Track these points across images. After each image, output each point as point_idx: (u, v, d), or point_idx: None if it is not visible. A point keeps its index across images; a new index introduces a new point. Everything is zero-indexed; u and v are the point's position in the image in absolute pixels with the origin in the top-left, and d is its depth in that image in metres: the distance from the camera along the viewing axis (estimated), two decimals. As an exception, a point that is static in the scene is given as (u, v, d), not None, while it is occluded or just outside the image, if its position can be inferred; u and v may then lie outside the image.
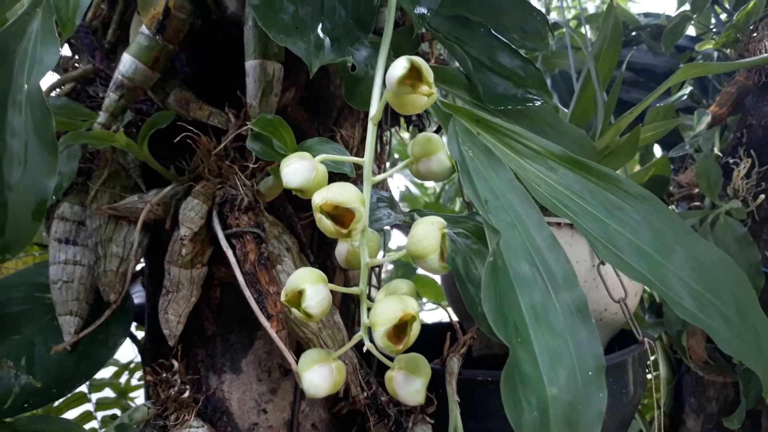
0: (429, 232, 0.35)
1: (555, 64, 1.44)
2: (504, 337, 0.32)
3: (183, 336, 0.52)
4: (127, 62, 0.50)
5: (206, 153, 0.50)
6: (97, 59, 0.56)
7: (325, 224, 0.34)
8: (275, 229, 0.52)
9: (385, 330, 0.32)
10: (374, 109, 0.37)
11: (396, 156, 1.76)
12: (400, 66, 0.33)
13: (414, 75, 0.34)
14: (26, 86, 0.37)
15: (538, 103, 0.48)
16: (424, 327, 0.83)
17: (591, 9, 2.26)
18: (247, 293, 0.47)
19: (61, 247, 0.54)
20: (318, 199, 0.33)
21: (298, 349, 0.53)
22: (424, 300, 1.64)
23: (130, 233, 0.52)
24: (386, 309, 0.33)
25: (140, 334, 0.73)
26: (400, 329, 0.34)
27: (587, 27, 1.49)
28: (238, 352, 0.55)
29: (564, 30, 1.48)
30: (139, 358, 0.73)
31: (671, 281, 0.39)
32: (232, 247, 0.49)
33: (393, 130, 0.75)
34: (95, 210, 0.53)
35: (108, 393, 1.01)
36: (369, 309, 0.36)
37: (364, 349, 0.36)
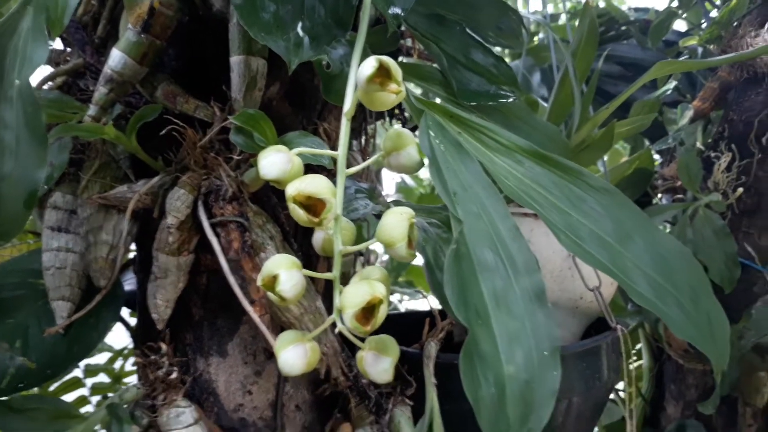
0: (397, 221, 0.37)
1: (545, 58, 1.45)
2: (464, 318, 0.34)
3: (171, 320, 0.55)
4: (116, 57, 0.52)
5: (192, 145, 0.52)
6: (87, 54, 0.58)
7: (297, 213, 0.36)
8: (259, 218, 0.54)
9: (354, 312, 0.35)
10: (347, 104, 0.40)
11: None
12: (369, 65, 0.35)
13: (383, 73, 0.36)
14: (17, 82, 0.39)
15: (510, 99, 0.50)
16: (413, 315, 0.86)
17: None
18: (231, 280, 0.50)
19: (54, 235, 0.56)
20: (291, 190, 0.36)
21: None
22: (419, 288, 1.67)
23: (119, 222, 0.55)
24: (355, 292, 0.35)
25: (133, 321, 0.75)
26: (369, 312, 0.36)
27: (568, 21, 1.50)
28: (225, 336, 0.57)
29: (558, 23, 1.49)
30: (132, 345, 0.75)
31: (629, 269, 0.41)
32: (217, 235, 0.51)
33: (378, 123, 0.77)
34: (86, 199, 0.55)
35: (103, 378, 1.04)
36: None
37: (336, 330, 0.38)
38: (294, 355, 0.38)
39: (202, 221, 0.51)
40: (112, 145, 0.56)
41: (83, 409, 0.98)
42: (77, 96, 0.57)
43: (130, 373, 1.06)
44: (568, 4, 1.81)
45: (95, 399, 1.00)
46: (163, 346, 0.54)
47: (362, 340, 0.39)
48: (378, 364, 0.38)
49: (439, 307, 0.75)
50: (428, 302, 0.66)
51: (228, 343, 0.57)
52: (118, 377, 1.04)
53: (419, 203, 1.83)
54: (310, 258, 0.61)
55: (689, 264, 0.43)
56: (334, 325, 0.39)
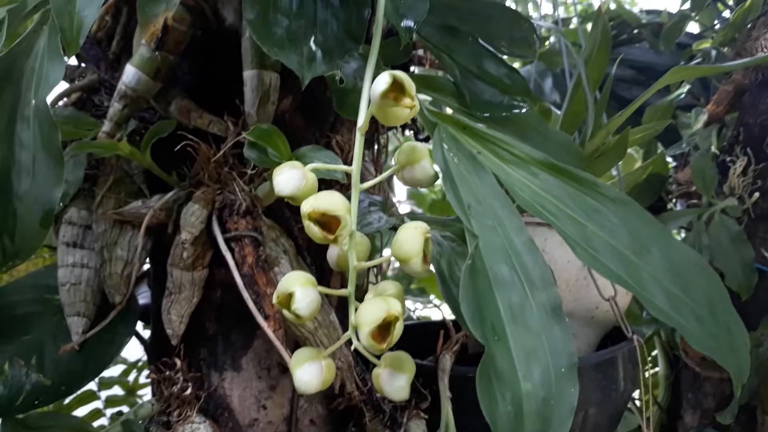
0: (412, 237, 0.37)
1: (557, 63, 1.44)
2: (480, 335, 0.34)
3: (185, 335, 0.55)
4: (130, 73, 0.52)
5: (206, 160, 0.52)
6: (102, 69, 0.58)
7: (312, 230, 0.36)
8: (273, 232, 0.54)
9: (370, 330, 0.35)
10: (361, 120, 0.39)
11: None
12: (383, 81, 0.35)
13: (397, 88, 0.36)
14: (34, 102, 0.40)
15: (523, 110, 0.50)
16: (426, 325, 0.86)
17: (597, 2, 2.26)
18: (246, 294, 0.50)
19: (69, 251, 0.57)
20: (306, 207, 0.35)
21: (296, 348, 0.55)
22: (432, 296, 1.66)
23: (134, 237, 0.55)
24: (371, 310, 0.35)
25: (147, 333, 0.75)
26: (384, 329, 0.36)
27: (580, 25, 1.49)
28: (239, 351, 0.57)
29: (570, 27, 1.49)
30: (146, 357, 0.75)
31: (646, 282, 0.41)
32: (231, 250, 0.51)
33: (390, 132, 0.77)
34: (101, 215, 0.55)
35: (117, 391, 1.04)
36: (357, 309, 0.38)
37: (352, 347, 0.38)
38: (309, 372, 0.38)
39: (216, 236, 0.51)
40: (126, 161, 0.56)
41: (97, 422, 0.98)
42: (92, 111, 0.58)
43: (144, 386, 1.06)
44: (579, 7, 1.80)
45: (110, 411, 1.00)
46: (178, 362, 0.54)
47: (378, 356, 0.39)
48: (394, 381, 0.38)
49: (453, 317, 0.75)
50: (441, 312, 0.66)
51: (242, 357, 0.57)
52: (132, 390, 1.04)
53: (431, 209, 1.82)
54: (323, 271, 0.60)
55: (706, 275, 0.43)
56: (349, 339, 0.39)
